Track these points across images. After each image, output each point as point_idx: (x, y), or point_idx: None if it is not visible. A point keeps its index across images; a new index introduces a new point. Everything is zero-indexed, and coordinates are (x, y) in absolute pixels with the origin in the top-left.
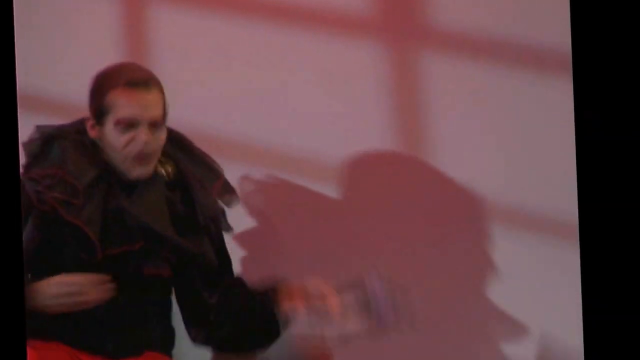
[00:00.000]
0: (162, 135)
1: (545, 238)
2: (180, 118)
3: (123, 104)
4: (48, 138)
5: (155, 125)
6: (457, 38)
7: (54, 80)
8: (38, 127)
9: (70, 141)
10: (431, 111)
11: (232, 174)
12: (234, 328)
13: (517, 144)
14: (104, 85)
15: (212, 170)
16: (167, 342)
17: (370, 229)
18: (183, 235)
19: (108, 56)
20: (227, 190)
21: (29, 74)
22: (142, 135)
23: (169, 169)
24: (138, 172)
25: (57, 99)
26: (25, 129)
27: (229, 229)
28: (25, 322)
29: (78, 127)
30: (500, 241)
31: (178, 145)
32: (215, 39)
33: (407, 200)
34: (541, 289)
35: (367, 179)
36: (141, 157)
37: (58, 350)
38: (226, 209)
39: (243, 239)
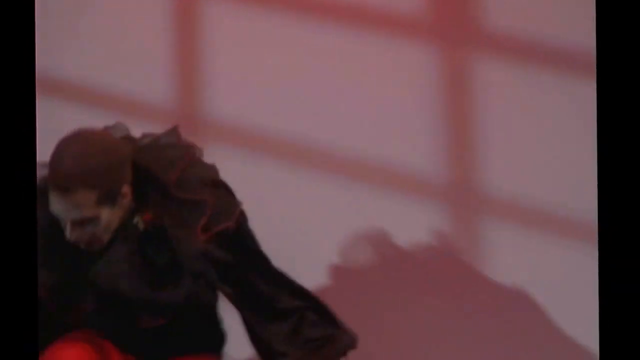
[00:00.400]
0: (96, 227)
1: (563, 239)
2: (229, 112)
3: (50, 196)
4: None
5: (82, 222)
6: (509, 42)
7: (74, 64)
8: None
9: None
10: (480, 115)
11: (274, 168)
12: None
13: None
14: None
15: (196, 206)
16: (216, 345)
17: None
18: (165, 283)
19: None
20: (218, 221)
21: (48, 57)
22: (67, 232)
23: (146, 218)
24: (85, 248)
25: (76, 83)
26: (44, 114)
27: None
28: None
29: None
30: (519, 240)
31: (158, 190)
32: (267, 35)
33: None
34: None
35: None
36: (77, 245)
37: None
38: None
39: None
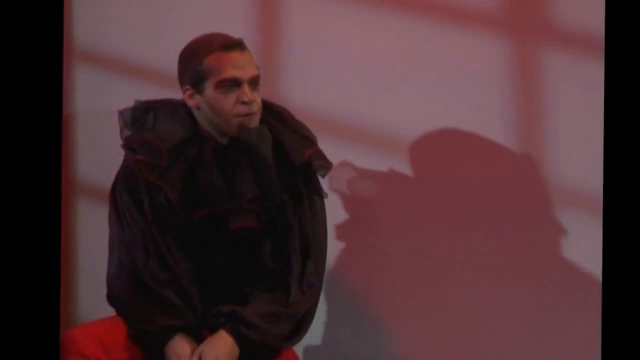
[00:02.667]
0: (259, 95)
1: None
2: (306, 100)
3: (222, 66)
4: (142, 108)
5: (254, 83)
6: (580, 36)
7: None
8: (136, 101)
9: (162, 110)
10: (548, 107)
11: (345, 154)
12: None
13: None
14: (198, 53)
15: (305, 138)
16: None
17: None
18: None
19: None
20: (319, 157)
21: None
22: (247, 93)
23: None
24: (246, 128)
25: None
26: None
27: (323, 194)
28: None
29: (172, 100)
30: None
31: (272, 115)
32: (342, 27)
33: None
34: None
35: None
36: (248, 114)
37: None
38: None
39: (343, 229)
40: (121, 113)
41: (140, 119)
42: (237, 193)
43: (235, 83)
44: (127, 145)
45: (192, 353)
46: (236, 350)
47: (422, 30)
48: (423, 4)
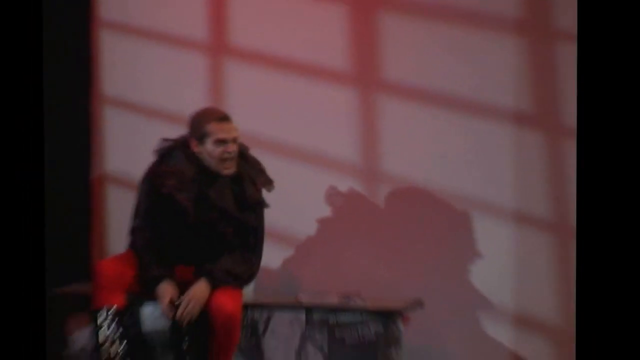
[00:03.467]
0: (237, 146)
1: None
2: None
3: (218, 131)
4: (171, 147)
5: (235, 140)
6: (407, 89)
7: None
8: (164, 139)
9: (182, 151)
10: (385, 137)
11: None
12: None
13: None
14: (202, 120)
15: (259, 171)
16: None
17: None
18: (242, 211)
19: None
20: (268, 182)
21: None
22: (231, 148)
23: (234, 170)
24: (228, 171)
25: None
26: (111, 128)
27: (266, 205)
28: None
29: (184, 141)
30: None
31: (241, 155)
32: (255, 85)
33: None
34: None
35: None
36: (230, 161)
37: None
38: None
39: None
40: (157, 151)
41: (165, 155)
42: (223, 209)
43: (224, 141)
44: (158, 172)
45: (173, 293)
46: (208, 291)
47: (304, 83)
48: (300, 66)
